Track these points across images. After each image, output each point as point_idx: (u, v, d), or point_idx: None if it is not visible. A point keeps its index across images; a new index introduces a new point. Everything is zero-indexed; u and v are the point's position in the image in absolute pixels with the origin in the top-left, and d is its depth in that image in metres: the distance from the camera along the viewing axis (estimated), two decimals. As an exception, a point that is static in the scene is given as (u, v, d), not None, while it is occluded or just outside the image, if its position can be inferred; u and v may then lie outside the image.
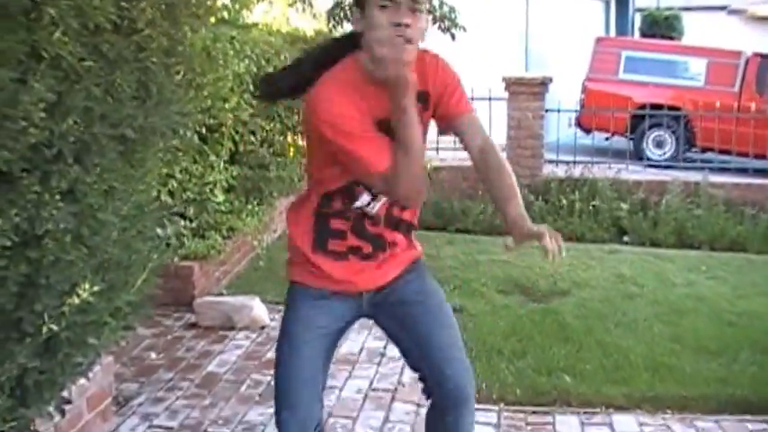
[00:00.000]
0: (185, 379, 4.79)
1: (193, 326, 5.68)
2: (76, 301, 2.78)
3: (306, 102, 2.73)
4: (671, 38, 23.08)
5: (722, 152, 12.67)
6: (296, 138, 8.52)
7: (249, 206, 7.23)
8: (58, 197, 2.65)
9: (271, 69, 7.18)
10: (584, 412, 4.54)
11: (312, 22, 8.70)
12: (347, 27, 8.38)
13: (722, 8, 30.13)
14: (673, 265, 7.91)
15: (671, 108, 14.18)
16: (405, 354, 2.98)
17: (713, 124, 12.85)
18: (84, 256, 2.81)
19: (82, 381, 3.55)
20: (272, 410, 4.23)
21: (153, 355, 5.13)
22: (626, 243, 9.11)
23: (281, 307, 5.81)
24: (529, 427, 4.33)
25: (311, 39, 8.40)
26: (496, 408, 4.54)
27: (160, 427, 4.17)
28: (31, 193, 2.57)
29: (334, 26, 8.70)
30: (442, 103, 2.82)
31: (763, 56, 15.32)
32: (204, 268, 6.17)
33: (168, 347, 5.28)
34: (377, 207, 2.81)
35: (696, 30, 24.86)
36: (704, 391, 4.82)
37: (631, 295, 6.67)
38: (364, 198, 2.79)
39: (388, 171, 2.61)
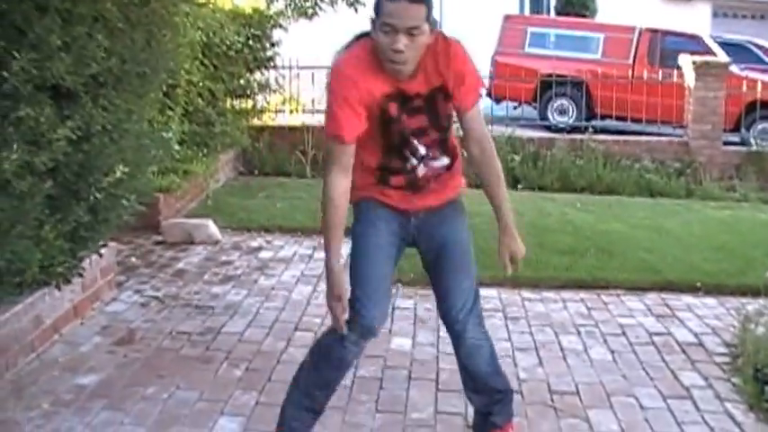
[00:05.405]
0: (161, 272, 6.30)
1: (161, 243, 7.15)
2: (112, 179, 4.32)
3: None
4: (584, 16, 24.46)
5: (618, 119, 14.26)
6: (234, 102, 10.00)
7: (199, 155, 8.73)
8: (101, 110, 4.18)
9: (217, 40, 8.70)
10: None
11: (251, 1, 10.04)
12: (280, 3, 9.79)
13: (640, -13, 31.82)
14: (553, 203, 9.55)
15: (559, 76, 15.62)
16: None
17: (610, 92, 14.44)
18: (116, 151, 4.34)
19: (95, 256, 5.11)
20: (228, 288, 5.82)
21: (133, 260, 6.61)
22: (519, 189, 10.72)
23: (229, 230, 7.38)
24: (417, 296, 5.89)
25: (249, 15, 9.82)
26: (395, 286, 6.08)
27: (149, 296, 5.71)
28: (87, 107, 4.09)
29: (269, 3, 9.98)
30: (455, 89, 3.20)
31: (653, 30, 17.04)
32: (167, 200, 7.66)
33: (144, 256, 6.76)
34: (421, 169, 3.31)
35: (615, 9, 26.20)
36: (552, 274, 6.43)
37: (512, 220, 8.27)
38: (421, 149, 3.28)
39: (336, 140, 3.13)
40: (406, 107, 3.18)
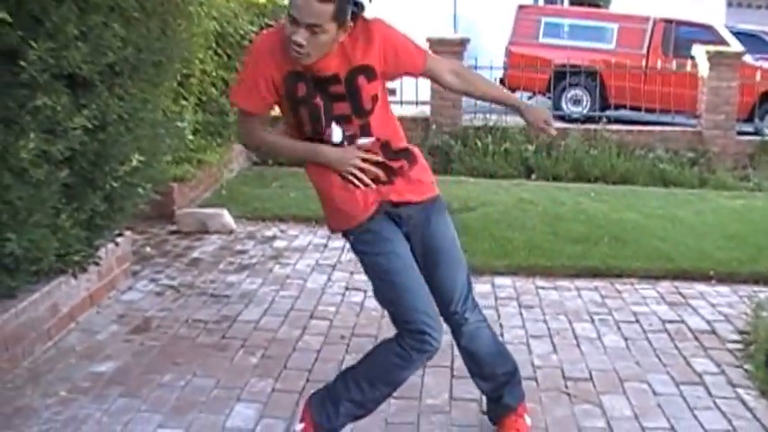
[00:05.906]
0: (176, 261, 6.33)
1: (175, 232, 7.17)
2: (127, 168, 4.35)
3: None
4: (598, 6, 24.40)
5: (632, 109, 14.25)
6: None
7: (213, 144, 8.76)
8: (117, 99, 4.21)
9: (231, 30, 8.72)
10: (474, 276, 6.14)
11: (265, -10, 10.08)
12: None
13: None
14: (567, 192, 9.56)
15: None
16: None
17: (624, 82, 14.41)
18: (132, 140, 4.37)
19: (111, 245, 5.15)
20: (243, 276, 5.85)
21: (148, 249, 6.64)
22: (533, 179, 10.73)
23: (244, 219, 7.41)
24: (433, 285, 5.91)
25: (263, 5, 9.85)
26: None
27: (164, 284, 5.74)
28: (103, 96, 4.12)
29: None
30: (392, 63, 3.18)
31: (667, 20, 16.99)
32: (181, 189, 7.69)
33: (158, 245, 6.78)
34: (364, 142, 3.23)
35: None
36: (566, 263, 6.44)
37: (525, 210, 8.29)
38: (337, 134, 3.21)
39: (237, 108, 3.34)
40: (322, 91, 3.14)
